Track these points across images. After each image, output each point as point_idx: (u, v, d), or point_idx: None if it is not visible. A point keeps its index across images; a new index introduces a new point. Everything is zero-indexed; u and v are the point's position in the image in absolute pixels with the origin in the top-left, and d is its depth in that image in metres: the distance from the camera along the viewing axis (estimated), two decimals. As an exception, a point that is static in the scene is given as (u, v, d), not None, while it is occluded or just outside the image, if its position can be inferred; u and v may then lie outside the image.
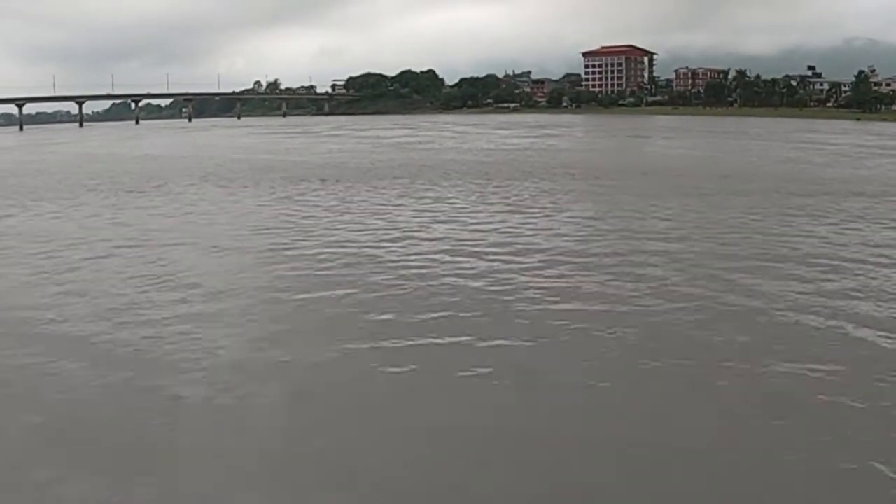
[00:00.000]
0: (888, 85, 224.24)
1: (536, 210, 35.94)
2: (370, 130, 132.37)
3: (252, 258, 25.64)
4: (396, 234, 29.68)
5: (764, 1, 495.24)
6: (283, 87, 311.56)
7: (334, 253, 25.83)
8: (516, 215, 34.26)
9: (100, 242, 28.49)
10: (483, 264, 23.70)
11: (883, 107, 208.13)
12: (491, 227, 31.19)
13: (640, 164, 63.48)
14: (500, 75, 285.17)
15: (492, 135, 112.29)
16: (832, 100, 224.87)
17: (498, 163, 62.76)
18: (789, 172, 54.15)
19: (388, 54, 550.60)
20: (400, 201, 39.68)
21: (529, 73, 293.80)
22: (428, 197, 41.16)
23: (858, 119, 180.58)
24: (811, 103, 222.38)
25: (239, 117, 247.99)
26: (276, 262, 24.61)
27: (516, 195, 41.56)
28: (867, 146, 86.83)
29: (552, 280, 21.87)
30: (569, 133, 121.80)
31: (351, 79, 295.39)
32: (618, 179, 49.32)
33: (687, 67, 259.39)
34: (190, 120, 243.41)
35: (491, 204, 38.14)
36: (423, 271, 22.88)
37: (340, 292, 20.51)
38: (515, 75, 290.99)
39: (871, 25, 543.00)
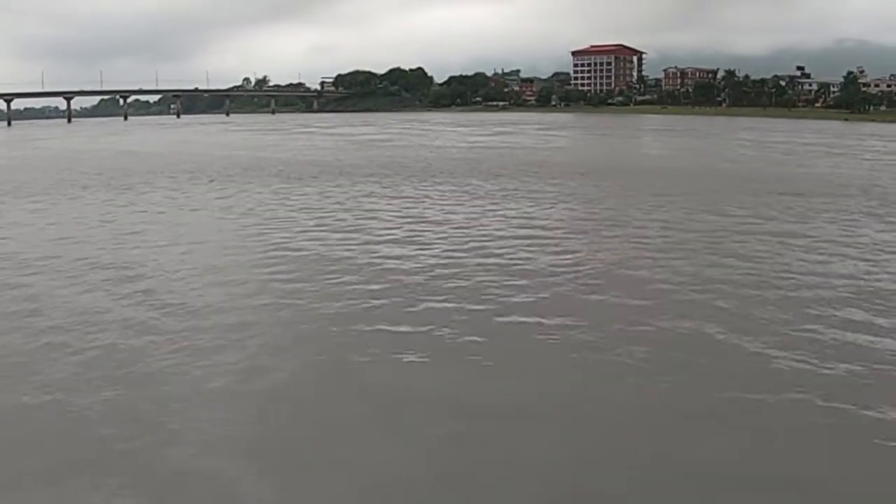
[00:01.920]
0: (877, 86, 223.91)
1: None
2: (342, 128, 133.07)
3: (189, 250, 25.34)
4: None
5: (754, 1, 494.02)
6: (272, 84, 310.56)
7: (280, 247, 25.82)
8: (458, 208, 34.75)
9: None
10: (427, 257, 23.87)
11: (871, 107, 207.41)
12: (431, 223, 31.15)
13: (602, 163, 62.94)
14: (490, 73, 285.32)
15: (455, 133, 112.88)
16: (821, 100, 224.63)
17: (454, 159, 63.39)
18: (750, 172, 54.48)
19: (378, 52, 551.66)
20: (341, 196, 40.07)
21: (518, 71, 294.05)
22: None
23: (846, 120, 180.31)
24: (800, 104, 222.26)
25: (228, 114, 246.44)
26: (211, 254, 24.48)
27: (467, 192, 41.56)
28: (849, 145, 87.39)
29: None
30: (538, 132, 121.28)
31: (340, 76, 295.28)
32: (562, 178, 48.46)
33: (676, 67, 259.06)
34: (178, 116, 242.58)
35: (438, 202, 37.88)
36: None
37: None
38: (505, 74, 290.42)
39: (862, 26, 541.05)
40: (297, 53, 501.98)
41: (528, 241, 26.51)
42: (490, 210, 34.48)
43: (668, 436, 11.71)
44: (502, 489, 10.24)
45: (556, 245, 26.08)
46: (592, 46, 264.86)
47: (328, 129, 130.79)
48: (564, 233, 28.94)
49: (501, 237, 27.51)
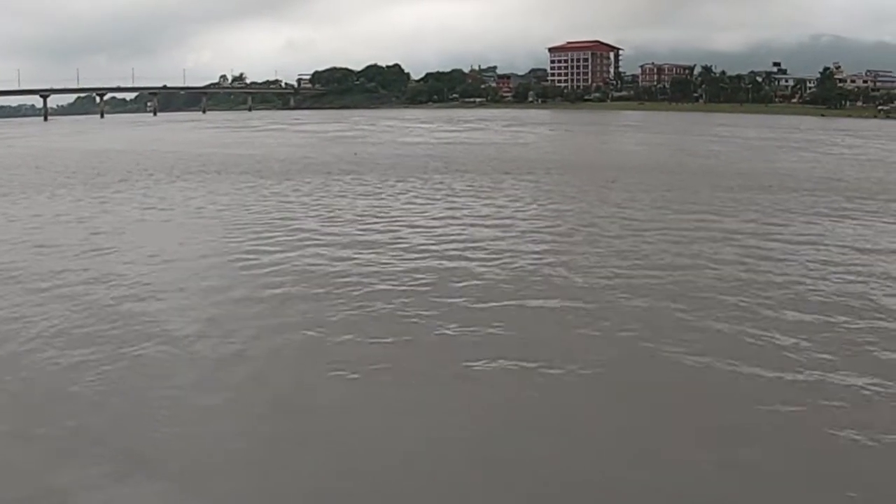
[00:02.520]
0: (853, 81, 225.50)
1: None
2: (313, 125, 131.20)
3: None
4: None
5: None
6: (248, 81, 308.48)
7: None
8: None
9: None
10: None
11: (847, 103, 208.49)
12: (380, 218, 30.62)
13: (573, 159, 62.58)
14: (467, 70, 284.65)
15: (426, 129, 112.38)
16: (797, 96, 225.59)
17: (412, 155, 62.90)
18: (711, 166, 54.49)
19: (355, 48, 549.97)
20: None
21: (495, 67, 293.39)
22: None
23: (823, 115, 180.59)
24: (776, 99, 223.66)
25: (204, 111, 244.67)
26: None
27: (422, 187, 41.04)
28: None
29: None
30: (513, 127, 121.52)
31: (317, 73, 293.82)
32: (531, 175, 47.61)
33: (653, 63, 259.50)
34: (155, 114, 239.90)
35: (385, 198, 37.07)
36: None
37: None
38: (481, 70, 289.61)
39: (838, 22, 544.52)
40: (273, 50, 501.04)
41: (494, 240, 25.60)
42: (457, 207, 33.51)
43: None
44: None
45: (519, 242, 25.38)
46: (569, 43, 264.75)
47: (300, 126, 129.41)
48: (529, 230, 27.97)
49: (463, 235, 26.68)
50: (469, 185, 41.62)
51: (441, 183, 42.76)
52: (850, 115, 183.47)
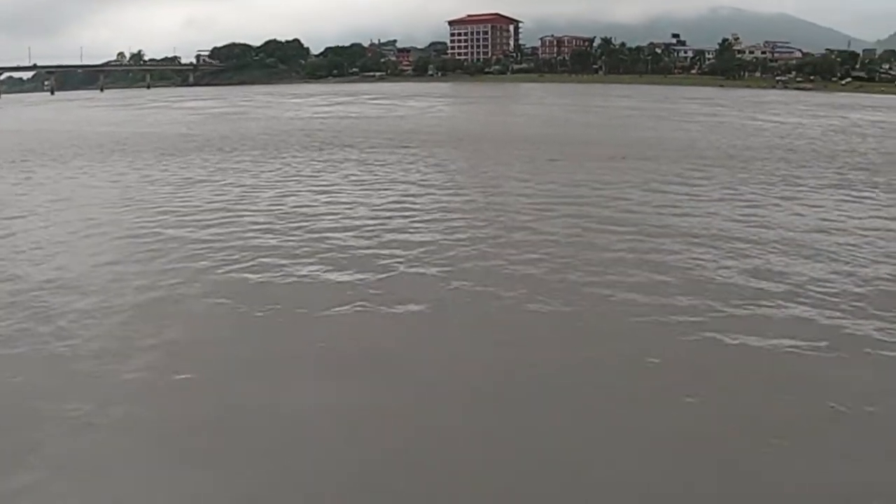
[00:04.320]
0: (751, 52, 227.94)
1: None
2: (197, 102, 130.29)
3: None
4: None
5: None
6: (147, 58, 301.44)
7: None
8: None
9: None
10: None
11: (746, 74, 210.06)
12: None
13: (466, 131, 60.89)
14: (366, 44, 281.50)
15: (316, 103, 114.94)
16: (696, 67, 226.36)
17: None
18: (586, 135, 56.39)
19: (255, 24, 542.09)
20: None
21: (395, 41, 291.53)
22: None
23: (721, 86, 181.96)
24: (676, 71, 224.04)
25: (102, 90, 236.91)
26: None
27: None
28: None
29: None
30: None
31: (216, 49, 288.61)
32: (424, 147, 47.00)
33: (553, 35, 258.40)
34: (53, 93, 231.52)
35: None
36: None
37: None
38: (381, 44, 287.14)
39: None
40: (172, 27, 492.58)
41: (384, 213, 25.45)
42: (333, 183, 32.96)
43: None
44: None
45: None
46: (469, 16, 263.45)
47: (190, 102, 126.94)
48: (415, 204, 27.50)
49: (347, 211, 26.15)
50: (392, 159, 41.14)
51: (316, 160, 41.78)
52: (748, 86, 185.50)
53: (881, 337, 13.75)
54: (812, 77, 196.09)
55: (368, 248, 20.36)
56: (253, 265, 18.85)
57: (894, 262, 19.03)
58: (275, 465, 9.68)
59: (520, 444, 10.22)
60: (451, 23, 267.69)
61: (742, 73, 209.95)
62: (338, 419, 10.87)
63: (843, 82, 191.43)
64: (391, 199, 28.49)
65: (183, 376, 12.25)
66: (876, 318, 14.72)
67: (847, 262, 18.94)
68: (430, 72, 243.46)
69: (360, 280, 17.37)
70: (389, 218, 24.47)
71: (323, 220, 24.38)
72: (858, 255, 19.76)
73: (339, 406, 11.27)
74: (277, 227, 23.36)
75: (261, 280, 17.68)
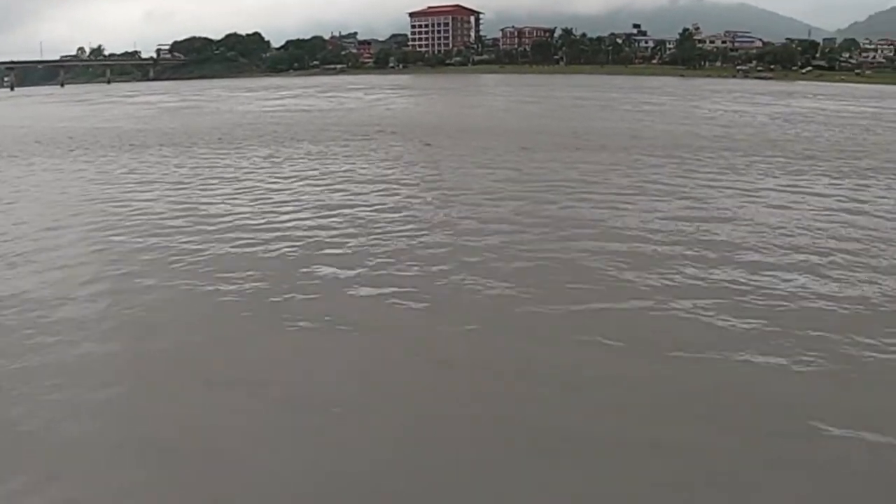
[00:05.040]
0: (712, 42, 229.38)
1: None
2: (146, 97, 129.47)
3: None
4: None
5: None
6: (107, 53, 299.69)
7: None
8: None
9: None
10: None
11: (707, 63, 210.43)
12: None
13: (420, 123, 60.23)
14: (327, 37, 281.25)
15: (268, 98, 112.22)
16: (657, 57, 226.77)
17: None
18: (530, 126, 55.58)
19: (215, 18, 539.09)
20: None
21: (356, 34, 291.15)
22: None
23: (682, 76, 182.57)
24: (637, 61, 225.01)
25: (62, 85, 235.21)
26: None
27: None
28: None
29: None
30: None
31: (176, 43, 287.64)
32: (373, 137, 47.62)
33: (513, 26, 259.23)
34: (12, 89, 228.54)
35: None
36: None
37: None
38: (342, 37, 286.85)
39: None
40: (132, 21, 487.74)
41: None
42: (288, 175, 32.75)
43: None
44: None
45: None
46: (430, 8, 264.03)
47: (148, 97, 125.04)
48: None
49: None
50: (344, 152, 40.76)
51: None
52: (709, 75, 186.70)
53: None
54: (773, 66, 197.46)
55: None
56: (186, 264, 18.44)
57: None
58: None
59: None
60: (411, 14, 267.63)
61: (703, 63, 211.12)
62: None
63: (804, 71, 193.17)
64: (330, 189, 28.34)
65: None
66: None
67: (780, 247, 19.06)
68: (391, 64, 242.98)
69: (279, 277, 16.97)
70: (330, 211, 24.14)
71: (264, 217, 23.86)
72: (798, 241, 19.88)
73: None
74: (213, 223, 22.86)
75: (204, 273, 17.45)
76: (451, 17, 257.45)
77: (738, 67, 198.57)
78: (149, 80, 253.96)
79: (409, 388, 11.67)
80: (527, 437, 10.00)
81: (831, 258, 18.03)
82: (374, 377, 11.95)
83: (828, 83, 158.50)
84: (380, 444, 9.90)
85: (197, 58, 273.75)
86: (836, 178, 30.64)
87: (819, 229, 21.02)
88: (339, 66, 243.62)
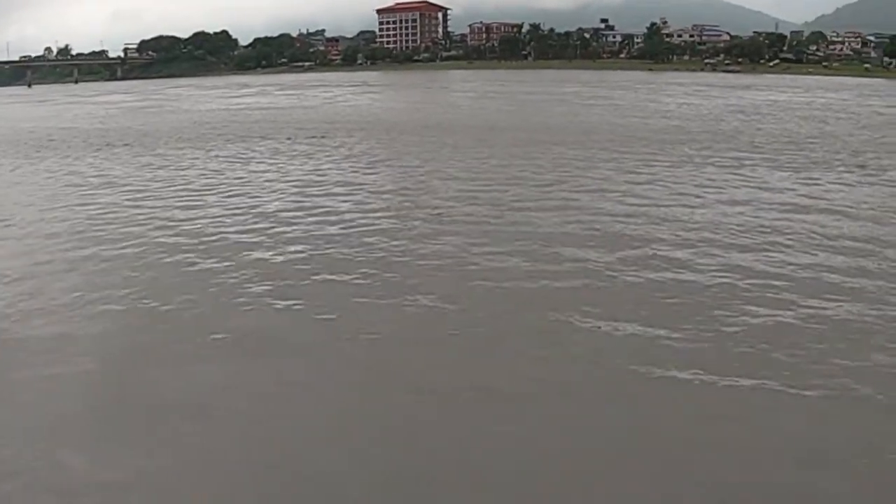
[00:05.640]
0: (679, 36, 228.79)
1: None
2: (108, 96, 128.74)
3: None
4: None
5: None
6: (74, 52, 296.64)
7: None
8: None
9: None
10: None
11: (675, 57, 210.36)
12: None
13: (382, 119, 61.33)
14: (295, 34, 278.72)
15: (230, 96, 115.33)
16: (625, 52, 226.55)
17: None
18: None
19: (182, 17, 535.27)
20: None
21: (324, 31, 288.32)
22: None
23: (650, 70, 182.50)
24: (605, 55, 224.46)
25: (30, 85, 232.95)
26: None
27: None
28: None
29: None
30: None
31: (144, 42, 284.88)
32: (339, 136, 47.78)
33: (481, 22, 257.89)
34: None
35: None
36: None
37: None
38: (310, 34, 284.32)
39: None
40: (99, 20, 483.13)
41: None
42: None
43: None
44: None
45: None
46: (397, 4, 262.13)
47: (110, 97, 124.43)
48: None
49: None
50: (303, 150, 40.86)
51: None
52: (677, 69, 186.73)
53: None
54: (740, 60, 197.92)
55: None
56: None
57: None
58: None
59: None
60: (379, 11, 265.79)
61: (671, 57, 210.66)
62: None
63: (771, 64, 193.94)
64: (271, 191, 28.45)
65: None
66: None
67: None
68: (359, 61, 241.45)
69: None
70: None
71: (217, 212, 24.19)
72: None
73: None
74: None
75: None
76: (418, 13, 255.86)
77: (707, 61, 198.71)
78: (117, 79, 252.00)
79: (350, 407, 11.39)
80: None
81: (733, 250, 18.49)
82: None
83: (795, 76, 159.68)
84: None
85: (165, 57, 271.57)
86: (776, 169, 31.43)
87: (721, 220, 21.60)
88: (307, 64, 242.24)
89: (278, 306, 15.20)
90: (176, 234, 21.40)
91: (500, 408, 11.00)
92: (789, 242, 19.29)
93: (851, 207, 23.54)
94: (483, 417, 10.73)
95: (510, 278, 16.51)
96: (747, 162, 33.47)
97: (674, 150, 37.55)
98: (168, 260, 18.96)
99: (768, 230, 20.40)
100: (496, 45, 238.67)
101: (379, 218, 22.91)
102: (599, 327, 13.57)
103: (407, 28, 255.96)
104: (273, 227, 21.92)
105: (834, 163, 33.73)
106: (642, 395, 11.27)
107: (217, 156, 39.23)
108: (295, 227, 21.81)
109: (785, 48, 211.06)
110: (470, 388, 11.60)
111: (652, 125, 50.28)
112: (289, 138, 46.47)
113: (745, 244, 19.12)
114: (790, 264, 17.38)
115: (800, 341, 12.94)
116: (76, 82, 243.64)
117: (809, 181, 28.74)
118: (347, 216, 23.12)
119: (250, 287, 16.43)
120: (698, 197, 25.43)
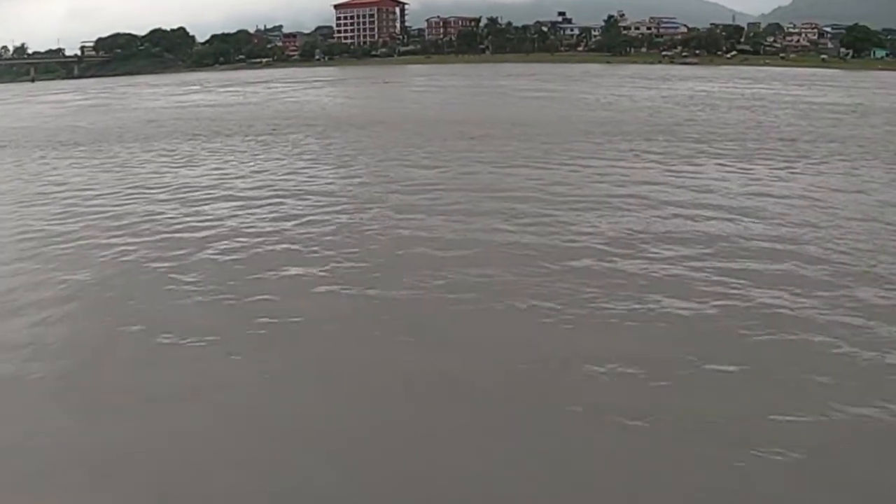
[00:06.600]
0: (637, 28, 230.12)
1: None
2: (57, 95, 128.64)
3: None
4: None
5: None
6: (31, 51, 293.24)
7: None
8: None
9: None
10: None
11: (633, 50, 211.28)
12: None
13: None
14: (252, 31, 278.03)
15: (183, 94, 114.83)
16: (583, 44, 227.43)
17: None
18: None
19: (139, 14, 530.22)
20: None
21: (281, 27, 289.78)
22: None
23: (608, 62, 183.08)
24: (562, 48, 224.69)
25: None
26: None
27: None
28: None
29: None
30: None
31: (100, 40, 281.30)
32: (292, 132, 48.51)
33: (439, 16, 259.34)
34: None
35: None
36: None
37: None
38: (267, 30, 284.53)
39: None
40: (55, 18, 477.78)
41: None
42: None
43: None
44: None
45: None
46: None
47: (47, 96, 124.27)
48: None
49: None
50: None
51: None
52: (634, 62, 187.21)
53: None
54: (698, 52, 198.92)
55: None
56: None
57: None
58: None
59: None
60: (337, 7, 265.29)
61: (628, 50, 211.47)
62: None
63: (729, 56, 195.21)
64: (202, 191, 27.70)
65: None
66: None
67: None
68: (316, 56, 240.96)
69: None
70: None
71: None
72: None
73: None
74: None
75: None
76: (376, 8, 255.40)
77: (664, 53, 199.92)
78: (74, 77, 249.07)
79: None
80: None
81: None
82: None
83: (751, 67, 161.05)
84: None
85: (122, 54, 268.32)
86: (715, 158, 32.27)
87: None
88: (264, 60, 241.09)
89: (229, 303, 15.02)
90: (120, 233, 21.19)
91: (467, 401, 10.94)
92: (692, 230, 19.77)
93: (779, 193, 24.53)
94: (454, 412, 10.65)
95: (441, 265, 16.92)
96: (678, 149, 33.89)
97: (609, 141, 37.89)
98: (109, 259, 18.69)
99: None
100: (454, 39, 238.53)
101: (329, 213, 23.06)
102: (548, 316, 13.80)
103: (364, 23, 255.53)
104: (214, 225, 21.79)
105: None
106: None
107: (161, 153, 39.00)
108: (238, 223, 21.86)
109: (742, 40, 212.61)
110: (439, 381, 11.60)
111: (590, 117, 50.84)
112: (231, 135, 46.23)
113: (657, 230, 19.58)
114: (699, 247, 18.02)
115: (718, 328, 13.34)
116: (33, 81, 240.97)
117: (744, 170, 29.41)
118: (293, 211, 23.36)
119: (197, 285, 16.18)
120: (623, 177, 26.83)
